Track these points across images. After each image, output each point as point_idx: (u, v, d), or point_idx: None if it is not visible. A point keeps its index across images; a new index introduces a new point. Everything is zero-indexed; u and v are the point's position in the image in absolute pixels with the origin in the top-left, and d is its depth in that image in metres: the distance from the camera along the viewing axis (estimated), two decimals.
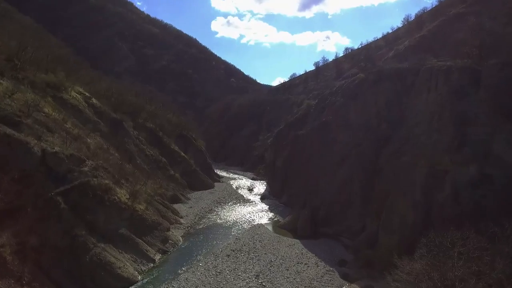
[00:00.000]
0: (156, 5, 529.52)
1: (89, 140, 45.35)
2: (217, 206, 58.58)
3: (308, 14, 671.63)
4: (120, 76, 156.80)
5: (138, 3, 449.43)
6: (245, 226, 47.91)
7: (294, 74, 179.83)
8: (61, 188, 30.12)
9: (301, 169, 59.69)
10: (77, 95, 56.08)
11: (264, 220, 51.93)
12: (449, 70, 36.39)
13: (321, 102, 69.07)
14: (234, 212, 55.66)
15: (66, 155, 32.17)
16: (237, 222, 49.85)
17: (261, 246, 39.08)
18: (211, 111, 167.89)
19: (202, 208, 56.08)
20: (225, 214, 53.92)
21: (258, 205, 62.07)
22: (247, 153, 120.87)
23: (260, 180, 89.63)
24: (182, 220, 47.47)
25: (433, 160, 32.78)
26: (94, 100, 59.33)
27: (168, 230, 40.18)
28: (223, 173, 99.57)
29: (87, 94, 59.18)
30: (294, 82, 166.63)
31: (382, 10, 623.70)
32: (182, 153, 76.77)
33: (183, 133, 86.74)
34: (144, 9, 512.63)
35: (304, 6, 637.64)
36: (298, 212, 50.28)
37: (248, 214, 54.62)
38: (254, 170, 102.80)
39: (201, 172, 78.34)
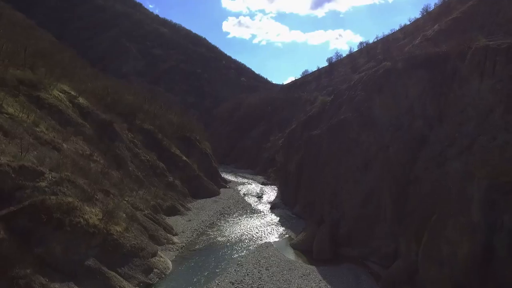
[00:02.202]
0: (168, 8, 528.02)
1: (65, 146, 38.56)
2: (220, 219, 51.08)
3: (320, 12, 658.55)
4: (128, 77, 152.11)
5: (150, 6, 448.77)
6: (250, 245, 40.24)
7: (306, 71, 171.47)
8: (2, 212, 23.13)
9: (317, 175, 51.53)
10: (60, 94, 49.56)
11: (273, 237, 44.09)
12: (511, 49, 27.81)
13: (338, 98, 60.76)
14: (239, 226, 48.01)
15: (13, 167, 25.12)
16: (241, 240, 42.19)
17: (268, 276, 31.28)
18: (220, 110, 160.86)
19: (203, 221, 48.69)
20: (229, 229, 46.32)
21: (267, 217, 54.26)
22: (257, 154, 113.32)
23: (271, 185, 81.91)
24: (175, 239, 40.13)
25: (498, 169, 24.34)
26: (81, 100, 52.73)
27: (155, 255, 32.82)
28: (231, 177, 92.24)
29: (73, 93, 52.68)
30: (307, 79, 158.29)
31: (395, 7, 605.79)
32: (184, 157, 69.52)
33: (186, 134, 79.31)
34: (156, 11, 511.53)
35: (316, 4, 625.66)
36: (314, 228, 42.29)
37: (255, 229, 46.89)
38: (265, 174, 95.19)
39: (205, 177, 71.03)
